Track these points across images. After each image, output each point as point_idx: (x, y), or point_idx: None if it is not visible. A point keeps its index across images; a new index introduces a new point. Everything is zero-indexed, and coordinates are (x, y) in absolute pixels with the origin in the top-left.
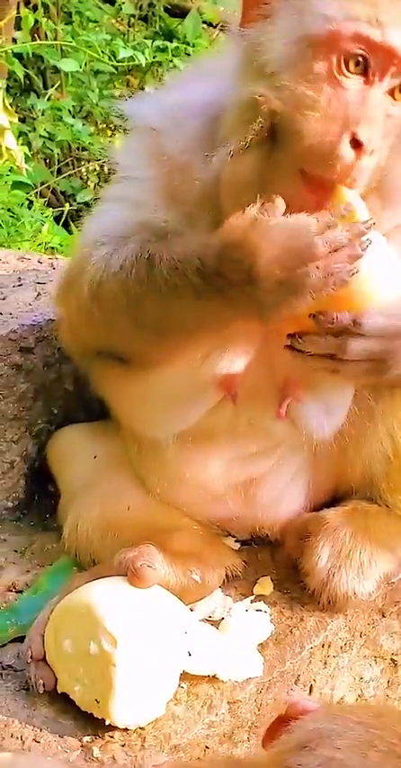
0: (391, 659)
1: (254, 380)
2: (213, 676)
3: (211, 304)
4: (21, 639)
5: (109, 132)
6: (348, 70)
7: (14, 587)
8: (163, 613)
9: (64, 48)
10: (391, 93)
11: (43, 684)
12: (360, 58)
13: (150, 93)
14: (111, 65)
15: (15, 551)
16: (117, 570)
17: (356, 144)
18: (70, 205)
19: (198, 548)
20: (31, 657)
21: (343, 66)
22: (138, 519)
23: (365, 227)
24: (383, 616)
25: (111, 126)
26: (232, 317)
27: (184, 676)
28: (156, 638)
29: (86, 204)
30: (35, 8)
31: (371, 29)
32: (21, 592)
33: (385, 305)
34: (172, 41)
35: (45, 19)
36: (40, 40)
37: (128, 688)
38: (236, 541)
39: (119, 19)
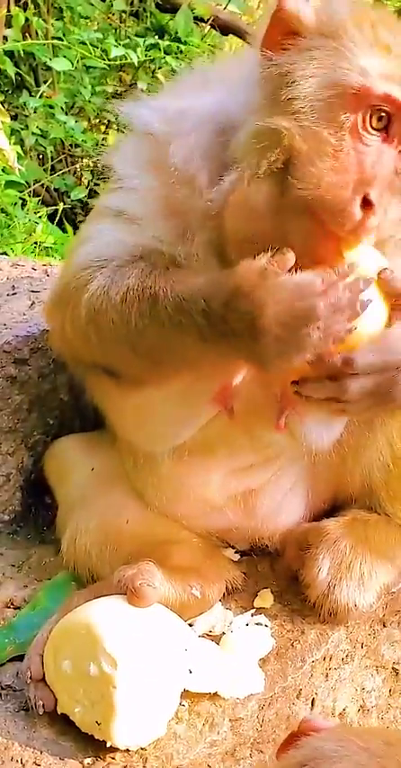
0: (392, 668)
1: (251, 394)
2: (214, 694)
3: (215, 345)
4: (20, 658)
5: (102, 128)
6: (371, 126)
7: (12, 603)
8: (163, 632)
9: (55, 45)
10: None
11: (43, 705)
12: (384, 114)
13: (150, 96)
14: (104, 63)
15: (12, 566)
16: (116, 589)
17: (367, 203)
18: (64, 203)
19: (197, 562)
20: (31, 678)
21: (367, 121)
22: (137, 532)
23: (365, 285)
24: (384, 626)
25: (103, 122)
26: (234, 360)
27: (185, 694)
28: (157, 658)
29: (80, 201)
30: (25, 6)
31: None
32: (19, 608)
33: (373, 340)
34: (163, 37)
35: (36, 17)
36: (31, 37)
37: (129, 709)
38: (235, 552)
39: (110, 15)
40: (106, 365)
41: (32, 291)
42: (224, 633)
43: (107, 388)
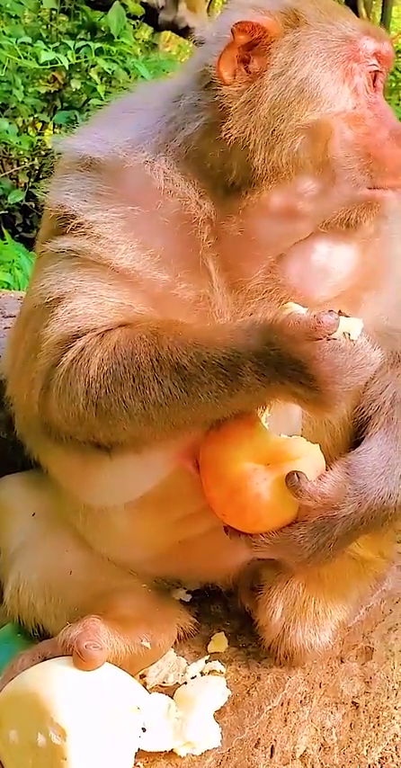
0: (352, 702)
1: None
2: (170, 751)
3: (261, 396)
4: None
5: (39, 125)
6: (372, 85)
7: None
8: (113, 693)
9: None
10: None
11: None
12: (374, 69)
13: (84, 127)
14: (34, 68)
15: None
16: (62, 650)
17: None
18: (2, 207)
19: (146, 610)
20: None
21: (371, 80)
22: (82, 582)
23: None
24: (342, 662)
25: (38, 120)
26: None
27: (140, 754)
28: (108, 721)
29: (18, 205)
30: None
31: (380, 44)
32: None
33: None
34: (95, 34)
35: None
36: None
37: None
38: (187, 593)
39: (39, 13)
40: (98, 439)
41: None
42: (178, 684)
43: (59, 452)
